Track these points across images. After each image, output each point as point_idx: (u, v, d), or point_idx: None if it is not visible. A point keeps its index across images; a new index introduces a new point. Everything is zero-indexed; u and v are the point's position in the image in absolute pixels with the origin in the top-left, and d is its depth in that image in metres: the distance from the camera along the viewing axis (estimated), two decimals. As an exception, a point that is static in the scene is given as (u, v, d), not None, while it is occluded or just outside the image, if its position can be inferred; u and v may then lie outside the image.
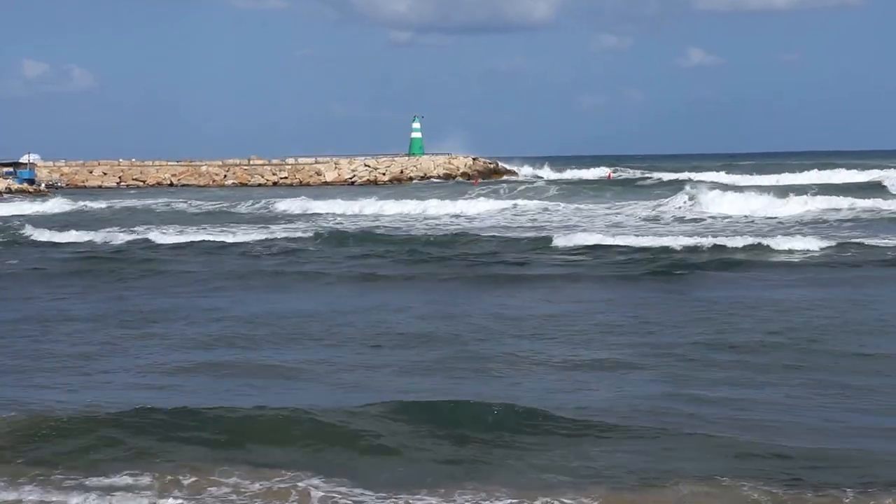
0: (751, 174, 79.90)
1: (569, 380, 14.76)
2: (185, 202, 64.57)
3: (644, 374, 15.00)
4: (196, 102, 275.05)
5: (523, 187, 71.13)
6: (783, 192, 51.80)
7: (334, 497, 10.35)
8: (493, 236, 37.47)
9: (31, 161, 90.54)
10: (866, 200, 47.72)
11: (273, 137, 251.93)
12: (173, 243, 37.12)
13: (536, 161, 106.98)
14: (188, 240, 37.89)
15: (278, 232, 40.59)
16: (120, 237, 39.29)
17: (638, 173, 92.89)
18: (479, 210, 52.62)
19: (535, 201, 56.78)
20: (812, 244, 30.91)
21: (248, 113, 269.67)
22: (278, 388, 14.62)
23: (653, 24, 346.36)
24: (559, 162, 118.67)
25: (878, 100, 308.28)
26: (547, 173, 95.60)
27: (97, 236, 39.76)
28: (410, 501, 10.22)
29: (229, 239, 38.13)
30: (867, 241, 31.86)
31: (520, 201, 56.45)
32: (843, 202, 46.97)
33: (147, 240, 38.44)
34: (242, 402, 13.37)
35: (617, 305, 21.73)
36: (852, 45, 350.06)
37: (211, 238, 38.32)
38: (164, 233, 40.67)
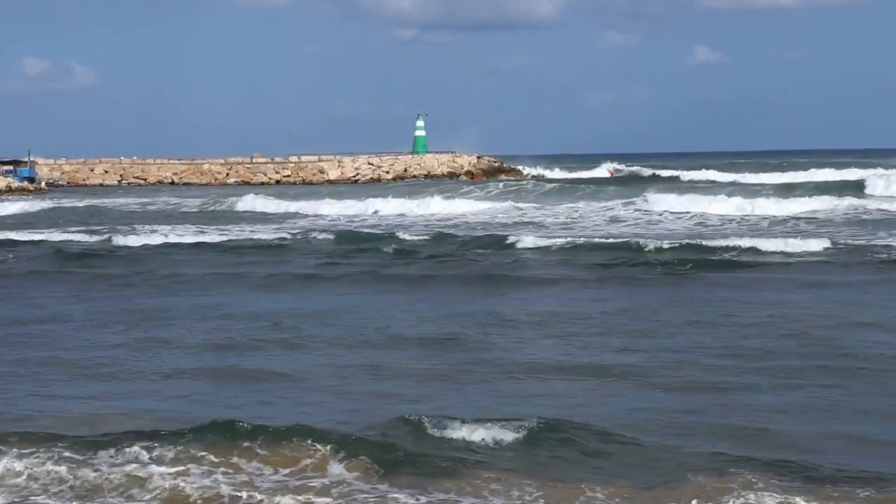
0: (754, 173, 79.15)
1: (576, 387, 14.48)
2: (179, 200, 64.45)
3: (653, 380, 14.66)
4: (198, 100, 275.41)
5: (516, 186, 69.94)
6: (756, 191, 51.72)
7: (355, 494, 10.28)
8: (465, 235, 37.03)
9: (30, 159, 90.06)
10: (846, 200, 47.20)
11: (276, 135, 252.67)
12: (143, 244, 36.35)
13: (543, 159, 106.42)
14: (163, 241, 37.07)
15: (253, 233, 39.93)
16: (81, 238, 38.77)
17: (646, 171, 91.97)
18: (463, 210, 51.81)
19: (511, 202, 55.34)
20: (771, 245, 30.64)
21: (251, 111, 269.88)
22: (290, 396, 14.23)
23: (659, 21, 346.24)
24: (566, 160, 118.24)
25: (885, 97, 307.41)
26: (550, 172, 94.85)
27: (62, 236, 39.37)
28: (438, 495, 10.19)
29: (211, 239, 37.63)
30: (848, 242, 31.40)
31: (495, 203, 55.24)
32: (823, 203, 46.22)
33: (110, 241, 37.69)
34: (253, 413, 12.96)
35: (612, 307, 21.38)
36: (859, 43, 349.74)
37: (195, 239, 37.64)
38: (131, 233, 39.81)
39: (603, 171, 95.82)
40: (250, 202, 58.28)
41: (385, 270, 28.03)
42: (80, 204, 62.54)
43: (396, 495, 10.26)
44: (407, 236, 36.69)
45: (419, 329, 18.99)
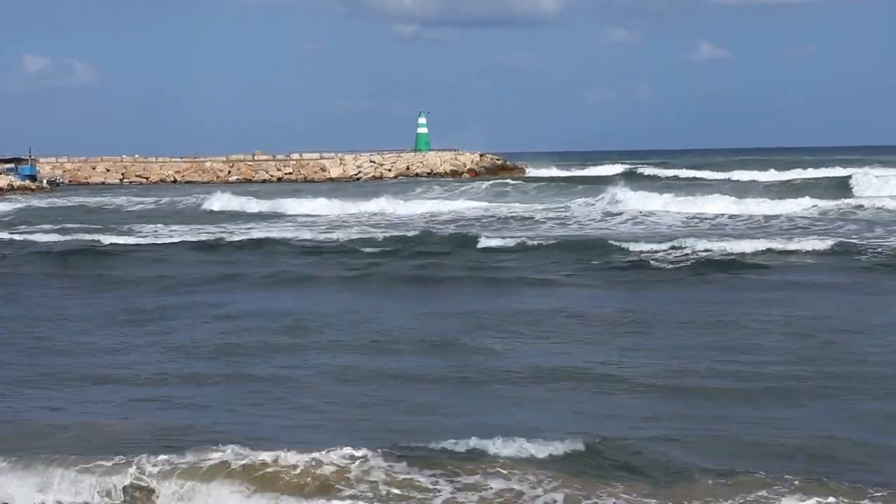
0: (751, 171, 78.32)
1: (584, 392, 14.30)
2: (168, 198, 64.57)
3: (660, 385, 14.43)
4: (199, 98, 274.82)
5: (509, 184, 69.05)
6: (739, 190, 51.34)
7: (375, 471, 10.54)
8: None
9: (31, 157, 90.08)
10: (838, 198, 46.59)
11: (278, 133, 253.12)
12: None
13: (546, 157, 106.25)
14: (141, 242, 36.66)
15: (230, 233, 39.25)
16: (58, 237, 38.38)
17: (654, 171, 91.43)
18: (449, 208, 50.93)
19: (500, 201, 54.69)
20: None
21: (252, 108, 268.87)
22: (297, 402, 13.90)
23: (662, 17, 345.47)
24: (571, 157, 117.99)
25: (890, 94, 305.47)
26: (554, 170, 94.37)
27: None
28: (465, 478, 10.36)
29: (191, 238, 37.21)
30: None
31: (483, 202, 54.24)
32: (814, 201, 45.08)
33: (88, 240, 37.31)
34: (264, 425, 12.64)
35: (611, 308, 21.09)
36: (865, 39, 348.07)
37: (175, 239, 37.25)
38: (119, 233, 39.59)
39: (607, 169, 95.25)
40: (224, 201, 57.18)
41: (373, 271, 27.70)
42: (69, 203, 62.36)
43: (421, 477, 10.33)
44: (390, 235, 36.32)
45: (419, 332, 18.70)
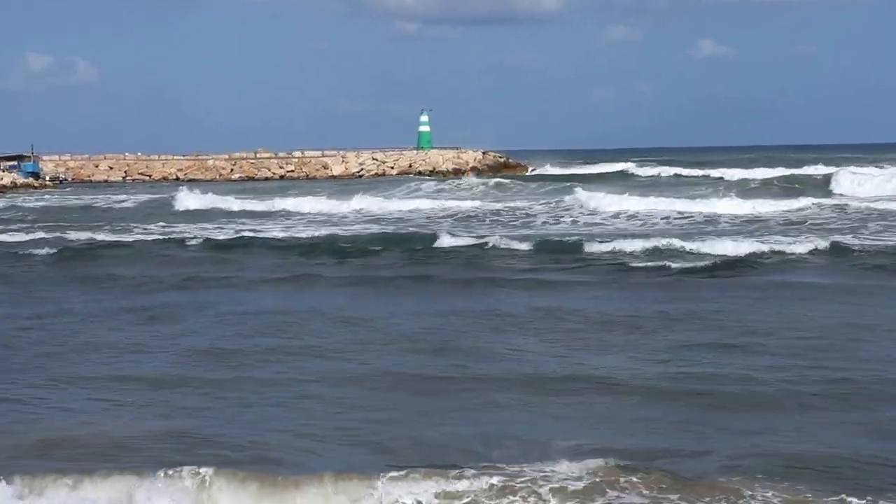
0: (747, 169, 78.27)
1: (588, 397, 14.22)
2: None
3: (663, 390, 14.33)
4: (200, 97, 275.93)
5: (504, 183, 68.96)
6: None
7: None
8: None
9: (34, 154, 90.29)
10: (823, 198, 46.52)
11: (278, 133, 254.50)
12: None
13: (550, 155, 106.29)
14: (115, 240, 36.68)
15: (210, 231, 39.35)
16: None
17: (650, 170, 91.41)
18: (436, 206, 51.05)
19: (484, 200, 54.62)
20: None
21: (253, 108, 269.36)
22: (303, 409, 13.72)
23: (662, 16, 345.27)
24: (575, 155, 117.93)
25: (892, 94, 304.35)
26: (559, 169, 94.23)
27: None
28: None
29: (172, 237, 37.19)
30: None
31: (470, 201, 53.71)
32: (801, 202, 44.45)
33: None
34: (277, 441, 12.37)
35: (606, 310, 20.97)
36: (865, 39, 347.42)
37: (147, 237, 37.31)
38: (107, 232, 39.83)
39: (607, 167, 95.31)
40: (196, 200, 56.04)
41: (360, 269, 27.82)
42: (68, 202, 62.51)
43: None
44: (376, 233, 36.46)
45: (417, 332, 18.68)
